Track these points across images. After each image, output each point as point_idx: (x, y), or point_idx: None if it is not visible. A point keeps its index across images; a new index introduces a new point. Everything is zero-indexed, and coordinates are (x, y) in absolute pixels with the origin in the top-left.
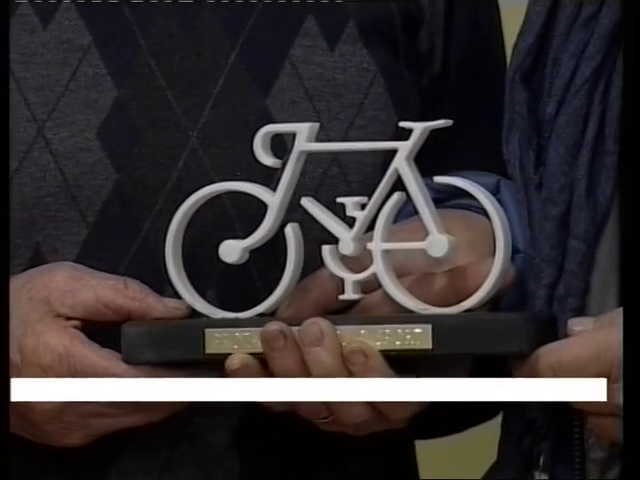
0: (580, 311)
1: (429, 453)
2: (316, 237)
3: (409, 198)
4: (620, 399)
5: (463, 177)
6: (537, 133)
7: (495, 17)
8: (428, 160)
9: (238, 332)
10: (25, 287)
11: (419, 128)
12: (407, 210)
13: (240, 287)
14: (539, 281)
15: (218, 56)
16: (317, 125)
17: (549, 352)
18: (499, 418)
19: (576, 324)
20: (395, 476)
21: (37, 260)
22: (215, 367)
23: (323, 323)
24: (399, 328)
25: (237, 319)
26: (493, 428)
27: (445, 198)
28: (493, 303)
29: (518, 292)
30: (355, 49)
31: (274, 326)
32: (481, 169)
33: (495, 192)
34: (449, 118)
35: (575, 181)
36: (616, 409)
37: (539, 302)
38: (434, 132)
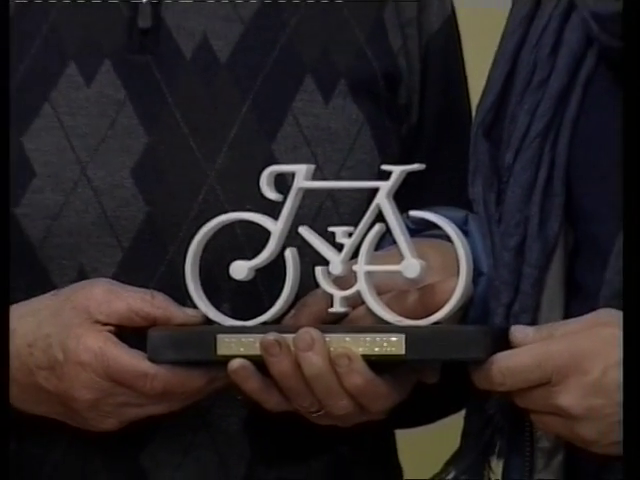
0: (534, 324)
1: (406, 442)
2: (311, 259)
3: (388, 229)
4: (560, 400)
5: (436, 212)
6: (497, 177)
7: (462, 79)
8: (406, 197)
9: (244, 337)
10: (69, 298)
11: (397, 171)
12: (389, 241)
13: (248, 300)
14: (498, 300)
15: (232, 109)
16: (313, 167)
17: (500, 359)
18: (462, 413)
19: (517, 330)
20: (379, 459)
21: (81, 278)
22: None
23: (314, 331)
24: (378, 336)
25: (244, 327)
26: (457, 421)
27: (421, 229)
28: (461, 317)
29: (482, 307)
30: (346, 103)
31: (270, 337)
32: (451, 205)
33: (463, 224)
34: (424, 162)
35: (529, 218)
36: (556, 409)
37: (498, 318)
38: (411, 173)
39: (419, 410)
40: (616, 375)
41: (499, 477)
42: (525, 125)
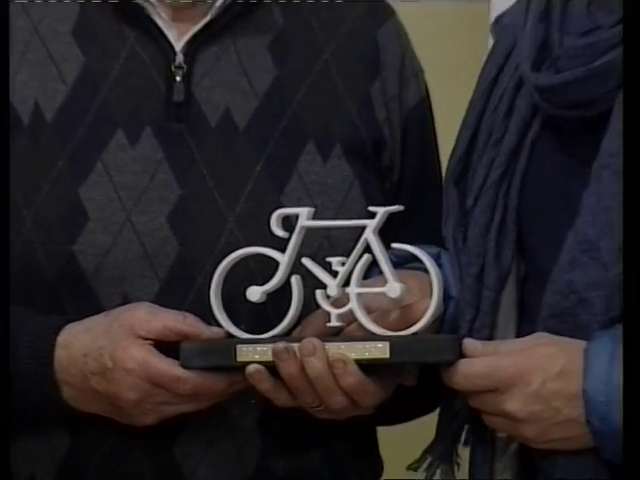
0: (490, 339)
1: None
2: (312, 284)
3: (374, 259)
4: (506, 406)
5: (414, 246)
6: (464, 218)
7: (434, 145)
8: (391, 236)
9: (259, 347)
10: (117, 318)
11: (381, 211)
12: (375, 273)
13: (260, 319)
14: (463, 317)
15: (248, 167)
16: (313, 209)
17: (460, 364)
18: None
19: (468, 343)
20: (364, 452)
21: (125, 303)
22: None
23: (315, 340)
24: (367, 344)
25: (258, 338)
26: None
27: (401, 262)
28: (435, 330)
29: (452, 324)
30: (340, 164)
31: (280, 345)
32: (427, 243)
33: (437, 258)
34: (403, 210)
35: (487, 250)
36: (503, 412)
37: (463, 332)
38: (393, 219)
39: (400, 409)
40: (553, 386)
41: (464, 461)
42: (483, 176)
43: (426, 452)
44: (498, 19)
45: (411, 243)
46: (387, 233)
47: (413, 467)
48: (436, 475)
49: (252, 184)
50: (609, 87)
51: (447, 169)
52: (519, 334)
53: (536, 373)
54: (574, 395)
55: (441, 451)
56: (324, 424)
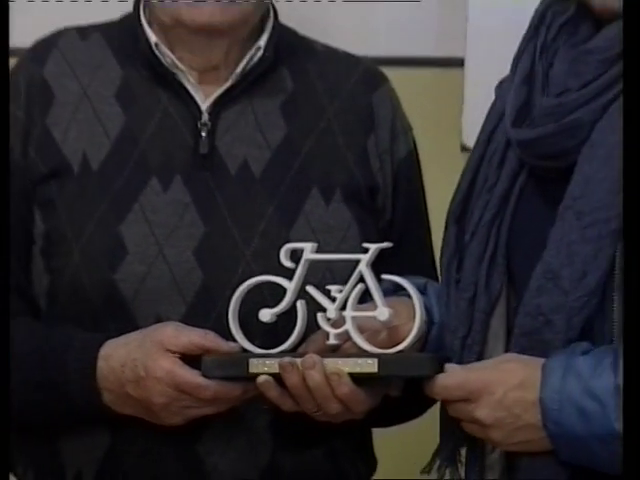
0: (481, 354)
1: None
2: (314, 308)
3: (367, 288)
4: (476, 413)
5: (403, 277)
6: (461, 251)
7: (421, 190)
8: (383, 266)
9: (268, 360)
10: (149, 335)
11: (373, 247)
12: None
13: (272, 335)
14: (456, 334)
15: (262, 209)
16: (316, 245)
17: (440, 378)
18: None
19: (448, 366)
20: (360, 450)
21: (157, 322)
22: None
23: (315, 356)
24: (359, 360)
25: (268, 353)
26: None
27: (395, 290)
28: (419, 349)
29: (436, 345)
30: (340, 206)
31: (286, 359)
32: (415, 274)
33: (423, 288)
34: (394, 246)
35: (479, 278)
36: (474, 419)
37: (456, 348)
38: (385, 253)
39: (390, 415)
40: (514, 395)
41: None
42: (478, 216)
43: (435, 455)
44: (501, 82)
45: (401, 274)
46: (380, 265)
47: (426, 470)
48: (446, 475)
49: (265, 223)
50: (577, 141)
51: (449, 209)
52: (507, 351)
53: (499, 385)
54: (532, 403)
55: (446, 454)
56: (326, 425)
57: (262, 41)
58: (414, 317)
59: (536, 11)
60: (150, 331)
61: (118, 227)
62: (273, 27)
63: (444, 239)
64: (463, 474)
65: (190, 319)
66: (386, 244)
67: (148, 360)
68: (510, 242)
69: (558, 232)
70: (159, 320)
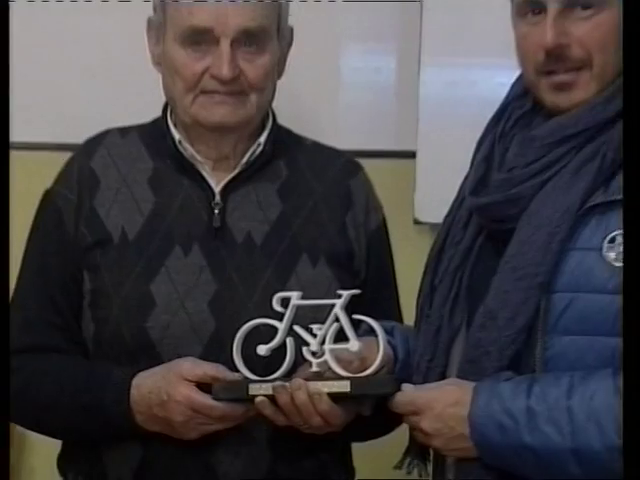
0: (442, 375)
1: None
2: (300, 343)
3: (341, 327)
4: (421, 424)
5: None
6: (432, 293)
7: (389, 255)
8: (359, 313)
9: (264, 385)
10: (171, 367)
11: (345, 294)
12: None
13: (266, 367)
14: (423, 358)
15: (262, 270)
16: (301, 293)
17: (397, 396)
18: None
19: (404, 385)
20: (343, 461)
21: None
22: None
23: (301, 380)
24: (335, 383)
25: (263, 380)
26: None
27: (369, 331)
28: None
29: (401, 374)
30: (324, 268)
31: (277, 383)
32: (385, 319)
33: (391, 330)
34: (368, 300)
35: (443, 314)
36: (420, 429)
37: (422, 369)
38: (363, 303)
39: (364, 432)
40: (450, 411)
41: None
42: (446, 265)
43: (405, 454)
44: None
45: (376, 318)
46: (355, 311)
47: (398, 466)
48: (415, 473)
49: (264, 282)
50: (518, 209)
51: (427, 259)
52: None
53: (439, 402)
54: (464, 418)
55: (414, 453)
56: (316, 442)
57: (262, 138)
58: (379, 349)
59: (500, 105)
60: (172, 365)
61: (149, 286)
62: (271, 127)
63: (421, 284)
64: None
65: (205, 357)
66: (355, 291)
67: (170, 387)
68: (470, 287)
69: (497, 281)
70: (179, 357)
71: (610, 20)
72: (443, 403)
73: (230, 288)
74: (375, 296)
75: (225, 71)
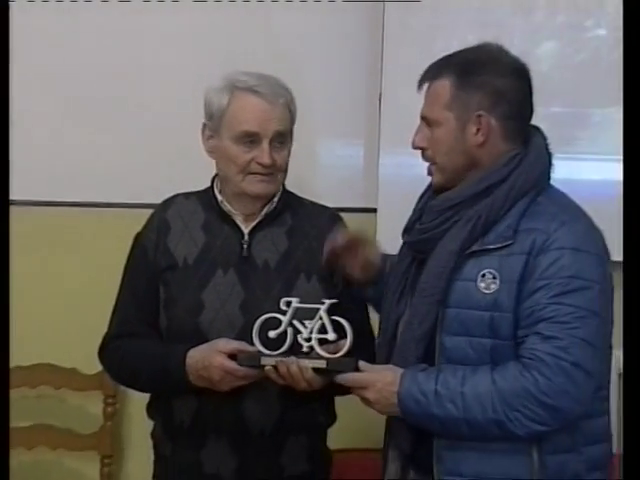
0: (388, 360)
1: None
2: (296, 332)
3: (324, 323)
4: (366, 395)
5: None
6: (387, 289)
7: None
8: (336, 311)
9: (270, 359)
10: (211, 346)
11: (327, 302)
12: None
13: (274, 345)
14: (380, 350)
15: (274, 285)
16: (299, 299)
17: (352, 374)
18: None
19: (361, 363)
20: (328, 410)
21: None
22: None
23: (294, 358)
24: (317, 361)
25: (271, 354)
26: None
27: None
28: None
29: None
30: (315, 284)
31: (279, 359)
32: (355, 317)
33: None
34: (347, 305)
35: (392, 302)
36: (366, 400)
37: (380, 357)
38: (341, 307)
39: (338, 392)
40: (387, 388)
41: None
42: (395, 272)
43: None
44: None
45: (347, 320)
46: (335, 312)
47: None
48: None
49: (276, 292)
50: (428, 247)
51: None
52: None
53: (380, 381)
54: (395, 393)
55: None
56: (309, 395)
57: (275, 199)
58: (347, 340)
59: (421, 194)
60: (212, 343)
61: (200, 295)
62: (282, 192)
63: (385, 285)
64: None
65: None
66: (333, 300)
67: (210, 357)
68: (411, 286)
69: (415, 298)
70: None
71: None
72: (382, 382)
73: (253, 297)
74: (349, 304)
75: (266, 160)
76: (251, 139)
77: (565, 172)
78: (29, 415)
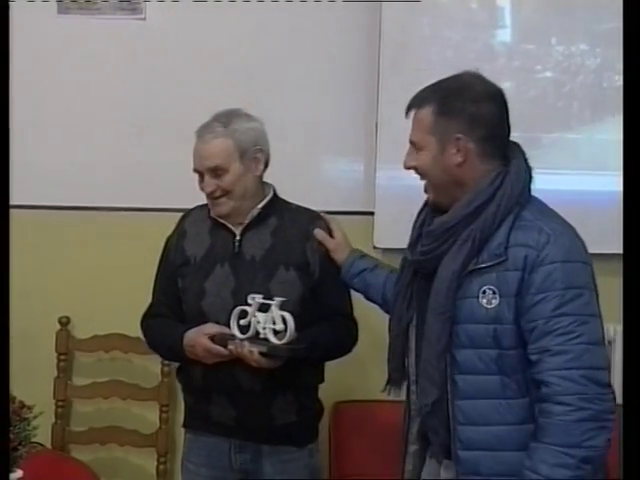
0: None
1: None
2: (257, 321)
3: (273, 315)
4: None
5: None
6: (397, 295)
7: (335, 264)
8: (312, 307)
9: (233, 342)
10: (199, 329)
11: (277, 300)
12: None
13: (245, 329)
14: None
15: (257, 275)
16: (262, 295)
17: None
18: None
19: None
20: (313, 397)
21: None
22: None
23: (247, 342)
24: (262, 346)
25: (236, 338)
26: None
27: (371, 269)
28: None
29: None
30: (293, 273)
31: (237, 342)
32: (330, 312)
33: (373, 268)
34: (320, 296)
35: (403, 308)
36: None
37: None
38: (313, 297)
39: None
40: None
41: None
42: (397, 291)
43: (387, 383)
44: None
45: (323, 311)
46: (311, 306)
47: (382, 390)
48: (392, 394)
49: (259, 281)
50: (433, 265)
51: (396, 280)
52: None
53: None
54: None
55: (394, 380)
56: (295, 383)
57: (260, 205)
58: (287, 330)
59: (419, 211)
60: (200, 327)
61: (204, 284)
62: (270, 198)
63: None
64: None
65: (227, 322)
66: (282, 299)
67: (197, 338)
68: (417, 293)
69: (428, 317)
70: (217, 323)
71: None
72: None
73: (242, 285)
74: (324, 293)
75: (207, 189)
76: (200, 174)
77: None
78: (105, 373)
